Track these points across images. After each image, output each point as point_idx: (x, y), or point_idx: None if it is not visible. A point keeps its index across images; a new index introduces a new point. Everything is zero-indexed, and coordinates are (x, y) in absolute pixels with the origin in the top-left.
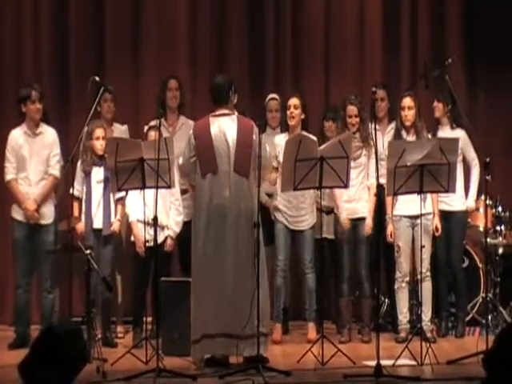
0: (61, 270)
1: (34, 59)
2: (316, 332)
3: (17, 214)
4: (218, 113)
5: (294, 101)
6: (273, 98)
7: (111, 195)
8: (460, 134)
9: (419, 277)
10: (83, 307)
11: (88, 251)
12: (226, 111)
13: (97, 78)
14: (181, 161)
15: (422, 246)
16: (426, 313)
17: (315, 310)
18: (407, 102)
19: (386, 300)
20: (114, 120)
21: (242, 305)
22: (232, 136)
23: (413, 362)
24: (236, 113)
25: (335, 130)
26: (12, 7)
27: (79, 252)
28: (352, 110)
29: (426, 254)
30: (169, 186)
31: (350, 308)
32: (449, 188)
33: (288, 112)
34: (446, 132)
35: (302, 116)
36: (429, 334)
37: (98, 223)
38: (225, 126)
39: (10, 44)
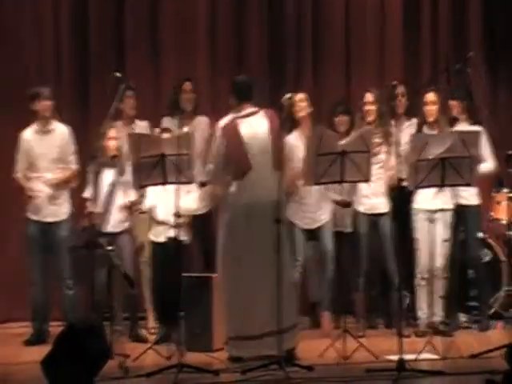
0: (83, 266)
1: (54, 58)
2: (331, 323)
3: (30, 213)
4: (244, 113)
5: (299, 96)
6: (291, 98)
7: (119, 199)
8: (477, 130)
9: (434, 272)
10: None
11: (110, 248)
12: (252, 109)
13: (118, 74)
14: (210, 166)
15: (444, 240)
16: (440, 308)
17: (330, 299)
18: (430, 96)
19: (408, 294)
20: (136, 117)
21: (283, 301)
22: (266, 133)
23: (436, 356)
24: (261, 109)
25: (347, 122)
26: (32, 6)
27: (101, 249)
28: (367, 97)
29: (442, 251)
30: (190, 182)
31: (365, 303)
32: (471, 182)
33: (296, 107)
34: (463, 129)
35: (310, 110)
36: (442, 328)
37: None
38: (256, 126)
39: (30, 43)
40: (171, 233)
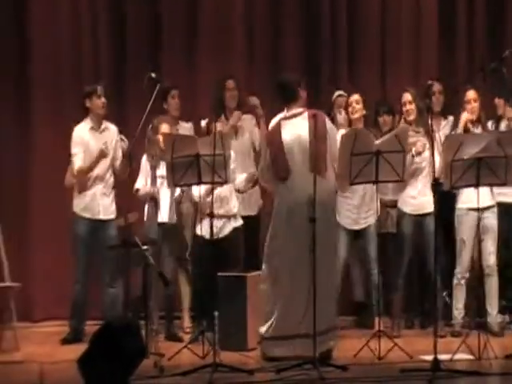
0: (120, 265)
1: (92, 59)
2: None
3: (79, 209)
4: (289, 114)
5: (355, 97)
6: (341, 95)
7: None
8: None
9: (486, 271)
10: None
11: (145, 247)
12: (297, 110)
13: (153, 75)
14: (259, 168)
15: (481, 240)
16: (493, 307)
17: (382, 305)
18: (471, 94)
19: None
20: (180, 117)
21: (320, 303)
22: (305, 137)
23: (471, 357)
24: (306, 110)
25: (391, 122)
26: (69, 6)
27: (137, 248)
28: (405, 96)
29: (493, 248)
30: (225, 182)
31: (403, 303)
32: (507, 181)
33: (350, 108)
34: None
35: (364, 112)
36: (496, 329)
37: (161, 217)
38: (298, 128)
39: (68, 44)
40: (231, 224)
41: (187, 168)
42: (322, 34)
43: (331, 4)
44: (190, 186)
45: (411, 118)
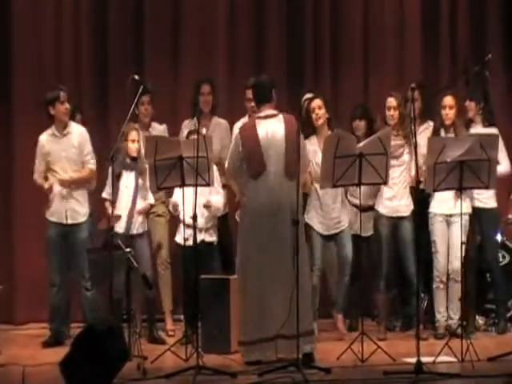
0: (102, 268)
1: (74, 61)
2: (345, 325)
3: (50, 215)
4: (263, 114)
5: (317, 102)
6: (309, 99)
7: (139, 202)
8: (493, 131)
9: (451, 276)
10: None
11: (128, 249)
12: (271, 112)
13: (136, 77)
14: (227, 165)
15: (462, 243)
16: (455, 312)
17: (346, 302)
18: (448, 100)
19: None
20: (150, 122)
21: (289, 306)
22: (281, 138)
23: (453, 359)
24: (280, 113)
25: (364, 127)
26: (52, 7)
27: (119, 251)
28: (390, 101)
29: (459, 254)
30: (208, 184)
31: (387, 305)
32: (489, 184)
33: (313, 114)
34: (478, 130)
35: (327, 115)
36: (459, 331)
37: (121, 228)
38: (273, 128)
39: (49, 45)
40: (200, 236)
41: (170, 170)
42: (305, 36)
43: (314, 6)
44: (172, 188)
45: (392, 122)
